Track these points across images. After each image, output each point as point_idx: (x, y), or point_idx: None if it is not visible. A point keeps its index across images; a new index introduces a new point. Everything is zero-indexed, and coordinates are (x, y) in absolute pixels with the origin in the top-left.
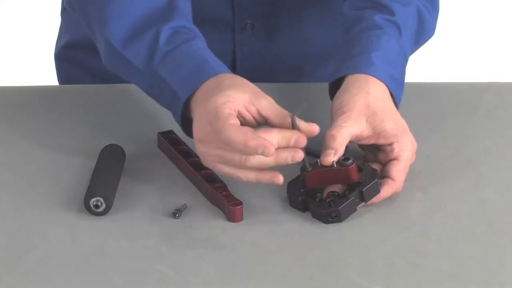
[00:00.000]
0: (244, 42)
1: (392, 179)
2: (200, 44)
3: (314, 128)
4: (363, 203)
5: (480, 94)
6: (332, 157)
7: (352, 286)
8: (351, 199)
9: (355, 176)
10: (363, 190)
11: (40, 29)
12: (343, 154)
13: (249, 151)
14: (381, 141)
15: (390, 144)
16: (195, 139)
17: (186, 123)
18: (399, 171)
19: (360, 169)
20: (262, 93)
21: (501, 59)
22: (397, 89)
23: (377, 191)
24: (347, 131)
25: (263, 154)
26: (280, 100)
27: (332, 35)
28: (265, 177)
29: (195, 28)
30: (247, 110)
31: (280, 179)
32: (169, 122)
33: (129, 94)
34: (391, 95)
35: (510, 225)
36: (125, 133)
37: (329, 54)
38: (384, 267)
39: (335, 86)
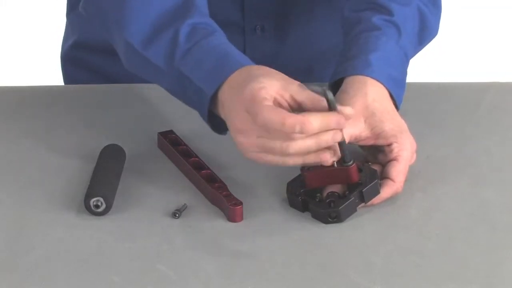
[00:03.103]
0: (254, 44)
1: (392, 179)
2: (220, 39)
3: (348, 112)
4: (363, 204)
5: (480, 94)
6: (330, 156)
7: (352, 286)
8: (351, 199)
9: (355, 176)
10: (363, 190)
11: (45, 30)
12: (343, 154)
13: (286, 129)
14: (380, 141)
15: (389, 145)
16: (234, 131)
17: (213, 120)
18: (398, 172)
19: (360, 170)
20: (293, 80)
21: (501, 59)
22: (397, 89)
23: (377, 191)
24: (345, 131)
25: (301, 131)
26: None
27: (340, 34)
28: (311, 158)
29: (213, 23)
30: (282, 96)
31: (327, 157)
32: (169, 122)
33: (129, 94)
34: (391, 95)
35: (510, 225)
36: (125, 133)
37: (336, 54)
38: (384, 267)
39: (335, 88)
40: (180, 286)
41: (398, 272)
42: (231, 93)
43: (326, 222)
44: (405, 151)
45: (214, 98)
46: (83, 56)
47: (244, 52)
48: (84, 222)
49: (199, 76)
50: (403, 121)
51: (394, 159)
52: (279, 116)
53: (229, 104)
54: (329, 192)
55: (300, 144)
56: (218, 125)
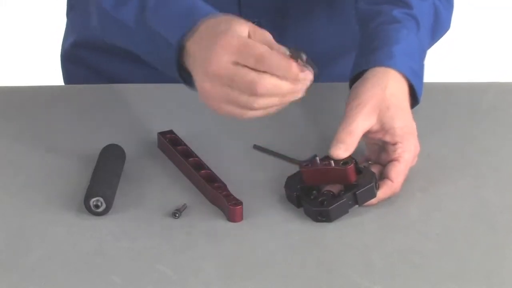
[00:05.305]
0: None
1: (391, 180)
2: None
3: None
4: (356, 206)
5: (480, 94)
6: (342, 151)
7: (352, 286)
8: (343, 200)
9: (352, 177)
10: (357, 192)
11: (45, 30)
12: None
13: (292, 77)
14: (387, 138)
15: (394, 144)
16: (204, 74)
17: (185, 74)
18: (398, 173)
19: (359, 171)
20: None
21: (501, 59)
22: (417, 82)
23: (372, 195)
24: (357, 124)
25: (302, 84)
26: None
27: (339, 35)
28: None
29: None
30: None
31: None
32: (169, 122)
33: (129, 94)
34: (412, 87)
35: (510, 225)
36: (125, 133)
37: (335, 54)
38: (384, 267)
39: (354, 79)
40: (180, 286)
41: (398, 272)
42: (203, 42)
43: (316, 220)
44: (407, 153)
45: (182, 50)
46: (83, 55)
47: None
48: (84, 222)
49: (166, 27)
50: (413, 123)
51: (395, 160)
52: (289, 62)
53: (200, 52)
54: (325, 191)
55: (266, 101)
56: (191, 80)
